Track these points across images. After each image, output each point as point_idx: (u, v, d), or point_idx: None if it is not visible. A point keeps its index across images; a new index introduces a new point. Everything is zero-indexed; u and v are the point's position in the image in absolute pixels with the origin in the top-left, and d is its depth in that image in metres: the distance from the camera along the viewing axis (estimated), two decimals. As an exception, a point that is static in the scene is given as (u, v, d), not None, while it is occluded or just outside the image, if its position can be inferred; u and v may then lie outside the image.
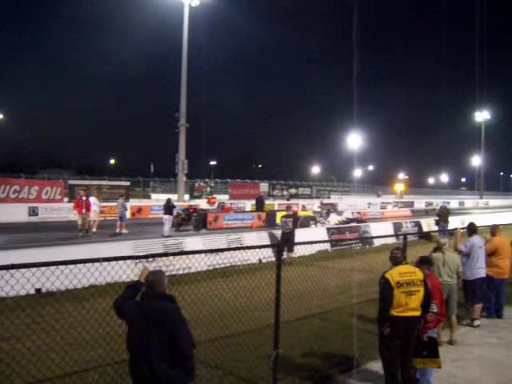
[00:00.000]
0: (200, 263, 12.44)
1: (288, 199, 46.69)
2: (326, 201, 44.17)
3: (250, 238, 16.96)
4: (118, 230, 23.05)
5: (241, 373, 6.49)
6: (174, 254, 6.77)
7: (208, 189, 45.75)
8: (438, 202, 61.23)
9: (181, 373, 4.03)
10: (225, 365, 6.65)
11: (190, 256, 12.59)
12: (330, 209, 34.55)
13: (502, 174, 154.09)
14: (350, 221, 28.30)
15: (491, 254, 9.77)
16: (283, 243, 15.67)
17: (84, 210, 21.89)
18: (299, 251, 15.25)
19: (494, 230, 10.38)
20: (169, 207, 22.47)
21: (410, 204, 56.23)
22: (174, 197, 33.90)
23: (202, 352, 6.70)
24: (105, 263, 4.61)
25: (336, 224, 26.32)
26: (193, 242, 15.49)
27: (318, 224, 27.33)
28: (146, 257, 6.47)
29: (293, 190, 53.68)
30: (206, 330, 7.39)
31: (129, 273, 6.34)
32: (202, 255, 12.11)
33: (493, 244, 9.89)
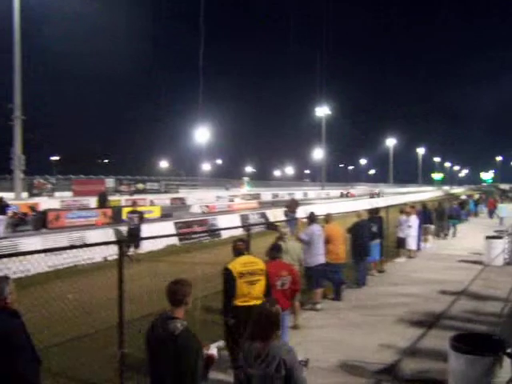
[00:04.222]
0: (40, 264, 11.65)
1: (131, 194, 45.83)
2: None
3: (95, 236, 16.29)
4: None
5: (85, 377, 6.19)
6: (8, 256, 6.15)
7: (49, 186, 43.19)
8: (283, 193, 64.35)
9: None
10: (68, 370, 6.28)
11: (29, 257, 11.71)
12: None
13: (341, 165, 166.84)
14: None
15: (326, 241, 10.41)
16: (129, 239, 15.33)
17: None
18: (147, 246, 15.00)
19: (327, 218, 11.20)
20: (1, 207, 20.72)
21: (257, 196, 58.15)
22: (10, 195, 31.47)
23: (45, 359, 6.24)
24: None
25: None
26: (31, 242, 14.50)
27: None
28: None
29: (140, 185, 52.68)
30: (45, 337, 6.92)
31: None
32: (42, 256, 11.35)
33: (325, 232, 10.55)
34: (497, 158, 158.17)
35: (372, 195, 63.60)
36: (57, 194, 43.04)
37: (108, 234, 16.88)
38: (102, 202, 30.73)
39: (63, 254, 13.12)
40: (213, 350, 4.22)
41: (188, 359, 3.59)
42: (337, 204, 37.81)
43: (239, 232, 18.84)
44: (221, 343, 5.71)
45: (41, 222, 24.06)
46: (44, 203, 32.37)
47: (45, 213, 25.14)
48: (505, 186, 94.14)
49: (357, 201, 46.52)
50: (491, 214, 34.10)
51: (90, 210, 29.43)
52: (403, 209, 16.84)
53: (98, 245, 6.43)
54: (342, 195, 72.72)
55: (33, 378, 3.72)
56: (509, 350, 4.88)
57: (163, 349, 3.64)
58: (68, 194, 43.66)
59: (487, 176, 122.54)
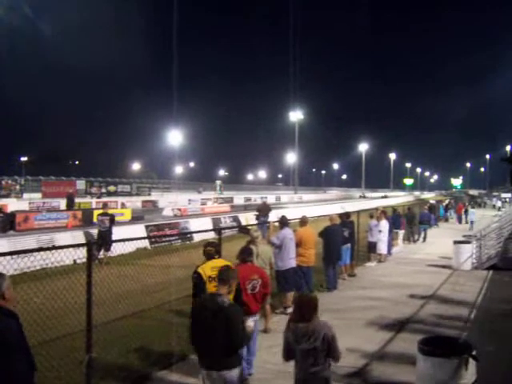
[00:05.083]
0: (6, 267, 11.34)
1: (99, 197, 45.33)
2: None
3: (64, 238, 16.02)
4: None
5: (52, 381, 6.06)
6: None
7: (17, 187, 42.42)
8: (256, 197, 64.28)
9: None
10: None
11: (-6, 260, 11.45)
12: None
13: (314, 170, 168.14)
14: None
15: (297, 244, 10.43)
16: (99, 242, 15.12)
17: None
18: (117, 250, 14.79)
19: (301, 221, 11.20)
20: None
21: (230, 200, 57.99)
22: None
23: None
24: None
25: None
26: (-4, 244, 14.12)
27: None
28: None
29: (112, 188, 52.14)
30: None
31: None
32: (8, 258, 11.05)
33: (298, 235, 10.57)
34: (467, 165, 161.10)
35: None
36: (25, 195, 42.29)
37: (78, 237, 16.63)
38: (70, 204, 30.28)
39: (31, 256, 12.83)
40: (250, 322, 5.21)
41: (236, 326, 4.50)
42: (309, 208, 37.93)
43: (211, 235, 18.81)
44: (256, 317, 6.47)
45: (8, 223, 23.54)
46: (12, 204, 31.76)
47: (13, 214, 24.67)
48: (474, 192, 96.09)
49: (335, 204, 47.02)
50: (460, 219, 34.71)
51: (60, 212, 28.94)
52: (373, 213, 17.00)
53: (66, 247, 6.31)
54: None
55: (27, 381, 3.58)
56: (474, 353, 4.95)
57: (215, 318, 4.47)
58: (37, 195, 42.94)
59: (457, 182, 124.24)
